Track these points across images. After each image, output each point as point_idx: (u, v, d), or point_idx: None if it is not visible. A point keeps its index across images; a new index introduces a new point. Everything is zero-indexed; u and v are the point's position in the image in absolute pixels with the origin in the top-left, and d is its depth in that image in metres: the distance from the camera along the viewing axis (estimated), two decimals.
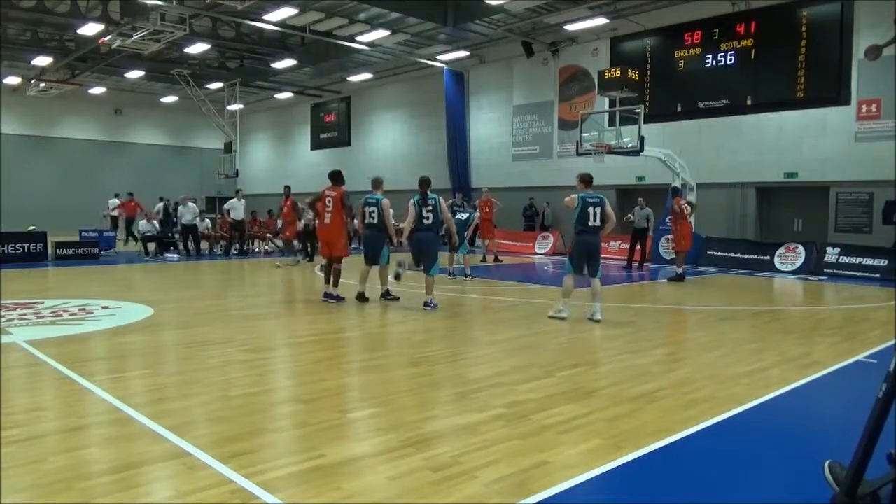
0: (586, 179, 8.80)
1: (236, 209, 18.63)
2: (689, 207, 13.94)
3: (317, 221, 10.81)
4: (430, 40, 22.49)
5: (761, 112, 17.10)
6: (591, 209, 8.46)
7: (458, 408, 4.65)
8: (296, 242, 17.28)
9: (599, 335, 7.78)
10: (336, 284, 9.90)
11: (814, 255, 14.95)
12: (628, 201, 17.77)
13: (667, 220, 16.64)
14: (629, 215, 15.77)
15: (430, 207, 9.28)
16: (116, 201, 23.84)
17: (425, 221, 9.28)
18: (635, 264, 15.78)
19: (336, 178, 10.17)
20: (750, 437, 4.18)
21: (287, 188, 17.22)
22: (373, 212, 9.70)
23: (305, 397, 4.91)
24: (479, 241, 18.75)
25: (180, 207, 18.40)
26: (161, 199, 21.52)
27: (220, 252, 19.71)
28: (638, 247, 15.80)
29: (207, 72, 27.66)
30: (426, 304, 9.24)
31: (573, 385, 5.30)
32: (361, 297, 9.76)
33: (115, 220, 24.16)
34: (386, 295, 10.11)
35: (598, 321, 8.24)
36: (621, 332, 7.76)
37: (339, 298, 9.81)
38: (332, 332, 7.71)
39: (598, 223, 8.50)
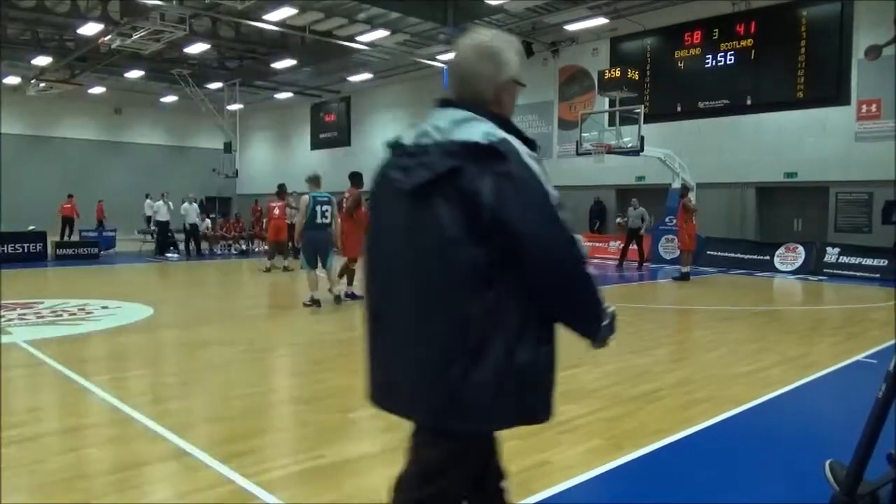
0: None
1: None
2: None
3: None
4: (430, 40, 22.47)
5: (761, 112, 17.09)
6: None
7: None
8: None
9: None
10: (350, 282, 10.06)
11: (813, 255, 14.95)
12: (628, 201, 17.77)
13: (667, 219, 16.68)
14: (620, 219, 15.77)
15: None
16: (150, 202, 21.58)
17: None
18: (634, 264, 15.78)
19: (350, 178, 10.13)
20: (749, 437, 4.18)
21: (281, 186, 16.11)
22: (326, 211, 9.52)
23: (305, 397, 4.91)
24: None
25: (184, 206, 18.34)
26: (162, 196, 20.88)
27: (235, 252, 19.55)
28: (634, 247, 15.79)
29: (207, 72, 27.65)
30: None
31: (573, 385, 5.30)
32: (317, 303, 9.33)
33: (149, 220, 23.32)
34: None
35: None
36: (621, 333, 7.75)
37: (357, 296, 9.91)
38: (332, 332, 7.71)
39: None
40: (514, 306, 1.68)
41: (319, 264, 9.51)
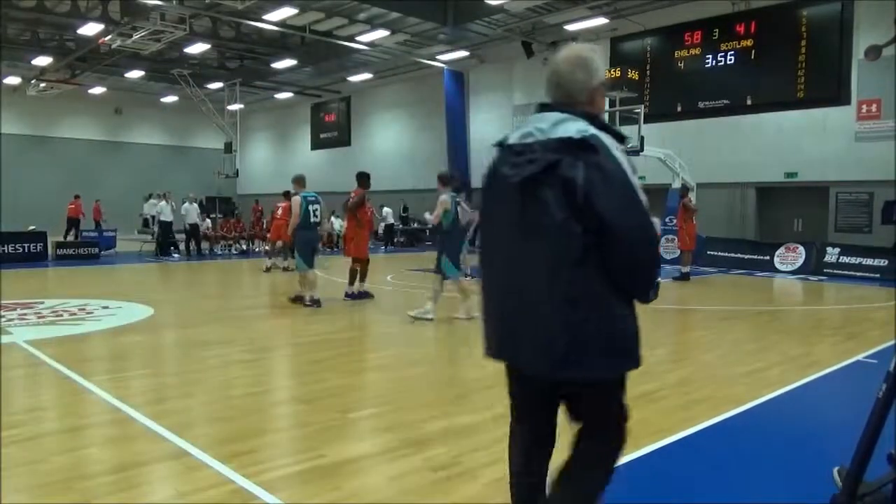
0: (443, 178, 8.71)
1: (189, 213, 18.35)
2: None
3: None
4: (430, 40, 22.48)
5: (761, 112, 17.09)
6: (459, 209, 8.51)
7: (459, 408, 4.65)
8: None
9: None
10: (351, 283, 10.04)
11: (814, 255, 14.95)
12: None
13: (667, 220, 16.66)
14: None
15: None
16: (154, 202, 21.23)
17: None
18: None
19: (357, 178, 10.12)
20: (749, 438, 4.17)
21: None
22: (316, 210, 9.62)
23: (305, 397, 4.91)
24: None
25: (185, 205, 18.33)
26: (164, 196, 20.72)
27: (236, 252, 19.45)
28: None
29: (207, 72, 27.66)
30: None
31: None
32: (318, 303, 9.38)
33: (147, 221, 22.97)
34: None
35: (430, 320, 8.13)
36: None
37: (356, 296, 9.96)
38: (332, 333, 7.70)
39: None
40: (606, 273, 2.00)
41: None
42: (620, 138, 2.06)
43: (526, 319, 2.08)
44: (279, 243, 15.34)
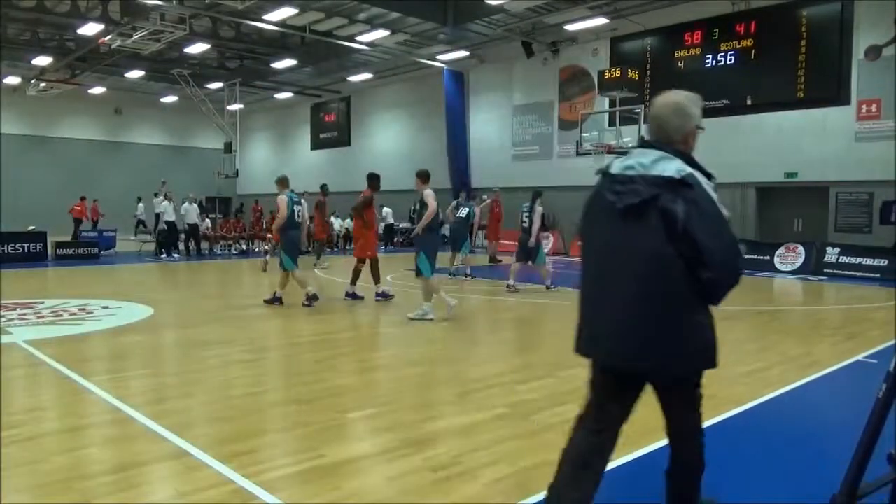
0: (427, 176, 8.72)
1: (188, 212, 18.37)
2: None
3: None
4: (430, 40, 22.48)
5: (761, 112, 17.08)
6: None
7: (458, 408, 4.65)
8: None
9: None
10: (353, 282, 10.05)
11: (814, 255, 14.94)
12: None
13: None
14: None
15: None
16: (163, 199, 19.72)
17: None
18: None
19: (368, 179, 10.11)
20: (750, 437, 4.17)
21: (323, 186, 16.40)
22: (300, 210, 9.74)
23: (305, 397, 4.91)
24: (479, 241, 18.72)
25: (185, 205, 18.33)
26: (165, 196, 20.60)
27: (236, 252, 19.45)
28: None
29: (207, 72, 27.66)
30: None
31: (574, 385, 5.29)
32: (316, 297, 9.50)
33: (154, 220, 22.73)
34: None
35: (430, 320, 8.20)
36: None
37: (357, 296, 9.97)
38: (332, 332, 7.70)
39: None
40: (692, 287, 2.36)
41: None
42: (709, 175, 2.47)
43: (621, 322, 2.46)
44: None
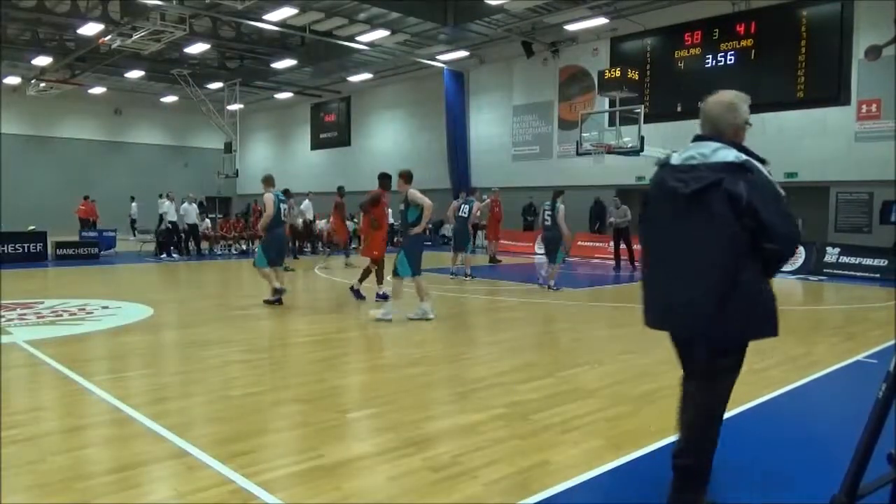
0: (410, 176, 8.70)
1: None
2: None
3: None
4: (430, 40, 22.48)
5: (761, 112, 17.05)
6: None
7: (458, 408, 4.65)
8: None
9: (599, 335, 7.78)
10: (379, 282, 10.03)
11: (814, 255, 14.94)
12: (630, 201, 17.74)
13: None
14: (611, 219, 15.83)
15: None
16: (167, 202, 18.91)
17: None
18: (625, 263, 15.81)
19: (379, 179, 10.07)
20: (750, 437, 4.17)
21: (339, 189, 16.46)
22: (285, 209, 9.79)
23: (305, 397, 4.91)
24: (479, 241, 18.72)
25: (185, 205, 18.32)
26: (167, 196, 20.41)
27: (236, 252, 19.48)
28: (623, 246, 15.81)
29: (207, 72, 27.66)
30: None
31: (573, 385, 5.30)
32: (284, 291, 9.52)
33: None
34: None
35: (430, 319, 8.20)
36: (621, 332, 7.76)
37: (361, 295, 9.94)
38: (332, 332, 7.70)
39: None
40: (754, 260, 2.66)
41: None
42: (762, 161, 2.75)
43: (692, 295, 2.73)
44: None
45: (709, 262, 2.69)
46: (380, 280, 10.15)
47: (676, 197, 2.75)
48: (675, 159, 2.88)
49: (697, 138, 2.90)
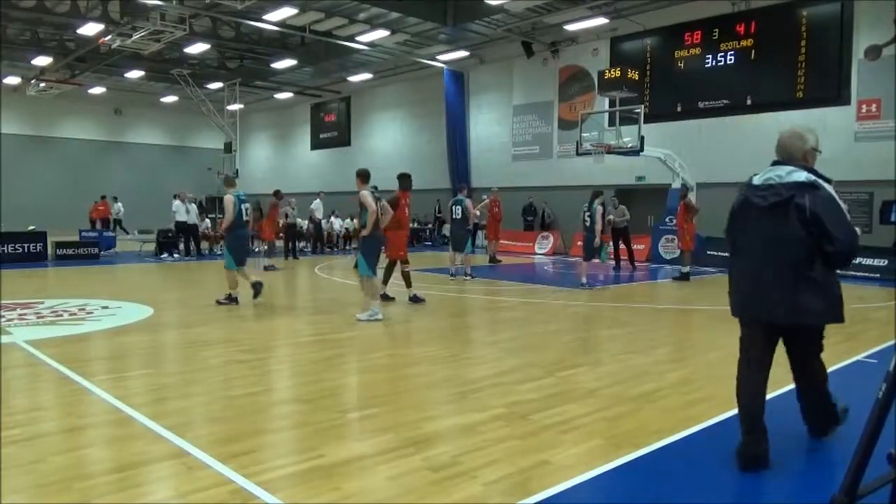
0: (369, 175, 8.71)
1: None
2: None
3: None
4: (430, 40, 22.48)
5: (761, 112, 17.08)
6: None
7: (458, 408, 4.65)
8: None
9: (599, 335, 7.78)
10: (408, 285, 9.88)
11: None
12: (629, 201, 17.74)
13: (667, 219, 16.67)
14: (610, 216, 15.84)
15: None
16: (179, 202, 18.59)
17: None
18: (625, 263, 15.81)
19: (399, 179, 10.01)
20: None
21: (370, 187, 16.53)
22: (248, 209, 9.77)
23: (305, 397, 4.91)
24: (479, 241, 18.72)
25: (176, 204, 18.27)
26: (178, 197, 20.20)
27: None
28: (622, 246, 15.81)
29: (207, 72, 27.65)
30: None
31: (573, 385, 5.30)
32: (236, 301, 9.49)
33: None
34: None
35: (379, 320, 8.18)
36: (621, 332, 7.76)
37: (418, 299, 9.77)
38: (332, 332, 7.70)
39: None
40: (821, 259, 3.36)
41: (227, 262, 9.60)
42: (828, 180, 3.40)
43: (773, 288, 3.44)
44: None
45: (785, 262, 3.40)
46: (386, 280, 10.05)
47: (758, 209, 3.50)
48: (756, 180, 3.60)
49: (775, 163, 3.60)
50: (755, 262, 3.53)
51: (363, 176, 8.51)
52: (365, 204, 8.23)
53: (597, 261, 12.36)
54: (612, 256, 15.90)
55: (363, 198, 8.25)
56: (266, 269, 14.81)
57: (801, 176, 3.39)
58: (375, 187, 15.29)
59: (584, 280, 11.95)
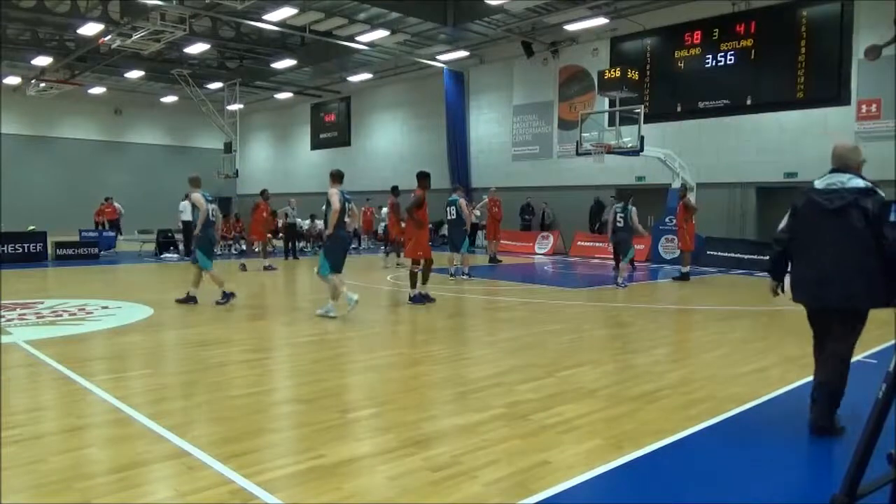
0: (341, 175, 8.76)
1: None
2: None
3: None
4: (430, 40, 22.48)
5: (761, 112, 17.09)
6: (346, 205, 8.56)
7: (458, 408, 4.65)
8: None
9: (599, 335, 7.78)
10: (413, 286, 9.88)
11: None
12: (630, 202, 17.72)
13: (667, 219, 16.66)
14: (606, 217, 15.86)
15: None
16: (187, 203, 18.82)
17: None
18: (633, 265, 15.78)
19: (418, 178, 9.97)
20: (750, 437, 4.18)
21: (394, 189, 16.49)
22: (215, 210, 9.77)
23: (305, 397, 4.91)
24: (479, 241, 18.71)
25: (183, 203, 18.27)
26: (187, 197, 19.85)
27: (235, 252, 19.46)
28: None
29: (207, 72, 27.65)
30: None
31: (573, 385, 5.30)
32: (194, 300, 9.53)
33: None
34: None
35: (333, 317, 8.33)
36: (621, 332, 7.76)
37: (429, 298, 9.75)
38: (332, 332, 7.70)
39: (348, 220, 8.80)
40: (878, 254, 3.90)
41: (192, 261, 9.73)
42: (879, 187, 4.01)
43: (837, 279, 4.00)
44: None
45: (847, 256, 3.96)
46: (425, 280, 9.94)
47: (823, 211, 4.06)
48: (819, 184, 4.20)
49: (833, 171, 4.22)
50: (820, 255, 4.08)
51: (335, 176, 8.64)
52: (330, 201, 8.30)
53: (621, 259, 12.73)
54: (617, 256, 15.88)
55: (330, 195, 8.34)
56: (266, 268, 14.81)
57: (860, 182, 4.03)
58: (396, 187, 15.13)
59: (621, 280, 12.28)
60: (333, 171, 8.69)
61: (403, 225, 12.62)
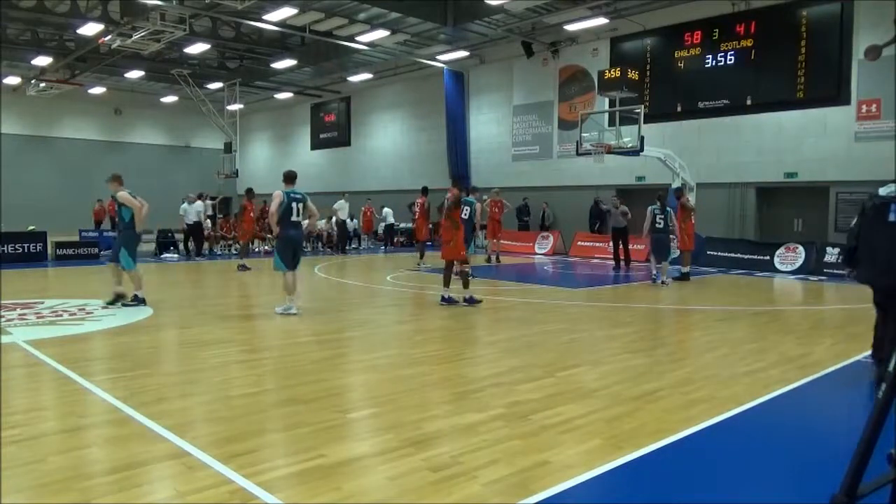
0: (290, 176, 8.98)
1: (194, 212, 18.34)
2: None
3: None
4: (430, 40, 22.48)
5: (761, 112, 17.08)
6: (294, 205, 8.73)
7: (458, 408, 4.65)
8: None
9: (599, 335, 7.78)
10: (447, 285, 9.84)
11: (814, 255, 14.94)
12: (629, 201, 17.73)
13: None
14: (605, 206, 15.92)
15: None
16: (188, 206, 18.57)
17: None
18: (623, 264, 15.81)
19: (453, 179, 10.03)
20: (750, 437, 4.18)
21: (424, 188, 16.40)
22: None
23: (305, 397, 4.91)
24: (479, 241, 18.70)
25: (184, 205, 18.30)
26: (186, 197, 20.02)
27: (236, 252, 19.43)
28: (621, 246, 15.81)
29: (207, 72, 27.65)
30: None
31: (573, 385, 5.30)
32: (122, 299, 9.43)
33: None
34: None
35: (295, 314, 8.55)
36: (621, 332, 7.76)
37: (475, 301, 9.66)
38: (332, 332, 7.70)
39: (299, 218, 8.92)
40: None
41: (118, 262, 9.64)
42: None
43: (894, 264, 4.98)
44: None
45: None
46: (466, 285, 9.83)
47: (884, 216, 4.99)
48: (883, 191, 5.34)
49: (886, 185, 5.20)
50: (886, 252, 5.08)
51: (286, 177, 8.91)
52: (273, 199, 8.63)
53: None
54: (616, 256, 15.91)
55: (273, 196, 8.65)
56: (239, 269, 14.81)
57: None
58: (426, 188, 14.94)
59: (664, 279, 12.59)
60: (285, 172, 8.99)
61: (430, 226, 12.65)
